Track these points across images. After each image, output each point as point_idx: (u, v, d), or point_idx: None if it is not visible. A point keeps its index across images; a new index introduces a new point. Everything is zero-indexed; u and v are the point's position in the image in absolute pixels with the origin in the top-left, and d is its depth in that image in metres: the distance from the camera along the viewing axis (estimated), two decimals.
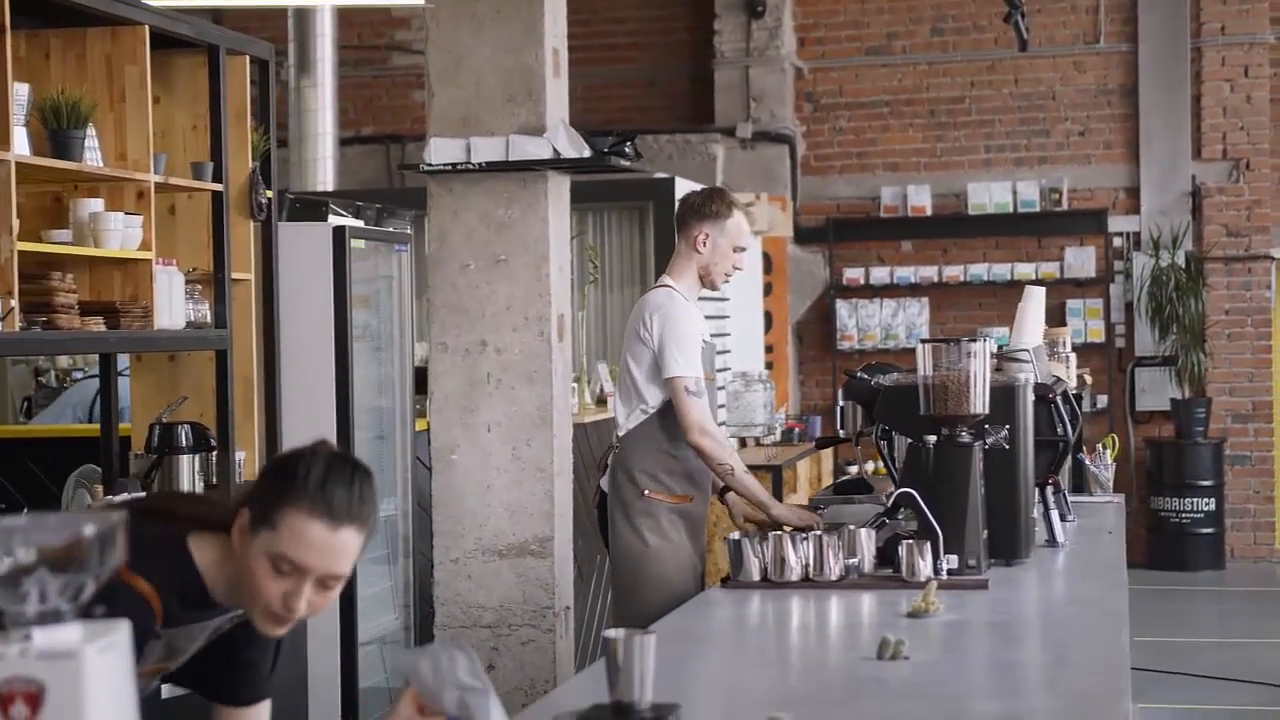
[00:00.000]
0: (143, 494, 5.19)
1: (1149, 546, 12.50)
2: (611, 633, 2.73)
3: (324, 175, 10.57)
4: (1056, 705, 3.00)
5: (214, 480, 5.66)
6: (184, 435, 5.50)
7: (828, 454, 11.33)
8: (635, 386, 5.28)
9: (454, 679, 2.56)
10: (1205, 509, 12.31)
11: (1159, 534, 12.42)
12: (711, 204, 5.36)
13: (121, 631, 1.78)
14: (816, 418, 11.87)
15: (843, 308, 13.02)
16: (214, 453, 5.65)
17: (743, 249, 5.41)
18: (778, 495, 9.06)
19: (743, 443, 10.60)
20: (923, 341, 4.49)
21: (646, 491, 5.25)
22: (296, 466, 2.60)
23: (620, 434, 5.34)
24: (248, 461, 5.93)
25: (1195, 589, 11.85)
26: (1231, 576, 12.26)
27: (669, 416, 5.21)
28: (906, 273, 12.94)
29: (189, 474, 5.47)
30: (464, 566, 5.77)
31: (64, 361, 9.17)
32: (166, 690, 4.53)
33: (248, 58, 5.96)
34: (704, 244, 5.33)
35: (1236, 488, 12.63)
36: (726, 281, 5.49)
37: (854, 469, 12.26)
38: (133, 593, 2.59)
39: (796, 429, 11.11)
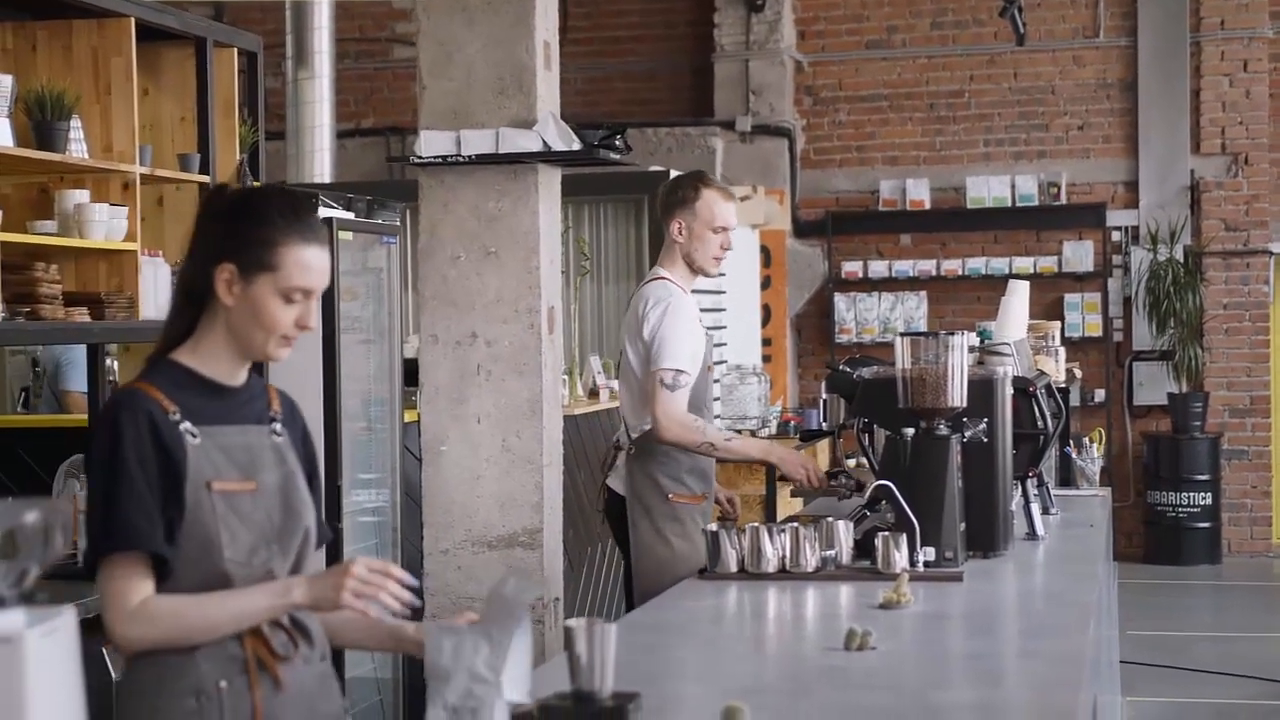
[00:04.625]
0: None
1: (1146, 541, 12.52)
2: (572, 622, 2.75)
3: (321, 167, 10.58)
4: (1014, 695, 3.02)
5: None
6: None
7: (825, 446, 11.34)
8: (641, 384, 5.23)
9: (470, 665, 2.60)
10: (1202, 503, 12.32)
11: (1156, 528, 12.43)
12: (678, 191, 5.34)
13: (65, 617, 1.80)
14: (813, 411, 11.85)
15: (841, 301, 13.04)
16: None
17: (722, 228, 5.31)
18: (771, 488, 9.06)
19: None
20: (901, 334, 4.50)
21: (671, 495, 5.20)
22: (265, 210, 2.84)
23: (634, 435, 5.26)
24: None
25: (1191, 583, 11.86)
26: (1228, 571, 12.26)
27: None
28: (905, 266, 12.95)
29: None
30: (453, 557, 5.79)
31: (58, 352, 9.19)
32: None
33: (235, 50, 5.98)
34: (681, 233, 5.31)
35: (1233, 482, 12.64)
36: (719, 263, 5.39)
37: (852, 462, 12.28)
38: (130, 388, 2.83)
39: (793, 422, 11.12)
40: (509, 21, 6.01)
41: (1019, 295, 5.60)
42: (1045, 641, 3.50)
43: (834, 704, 2.95)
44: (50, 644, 1.77)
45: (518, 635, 2.57)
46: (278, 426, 2.96)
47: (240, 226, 2.84)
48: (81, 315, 5.03)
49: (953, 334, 4.45)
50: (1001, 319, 5.54)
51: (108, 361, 6.29)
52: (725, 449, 5.16)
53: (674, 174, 10.10)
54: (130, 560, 2.76)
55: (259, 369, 3.22)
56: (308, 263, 2.83)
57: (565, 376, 8.00)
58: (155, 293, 5.36)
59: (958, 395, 4.42)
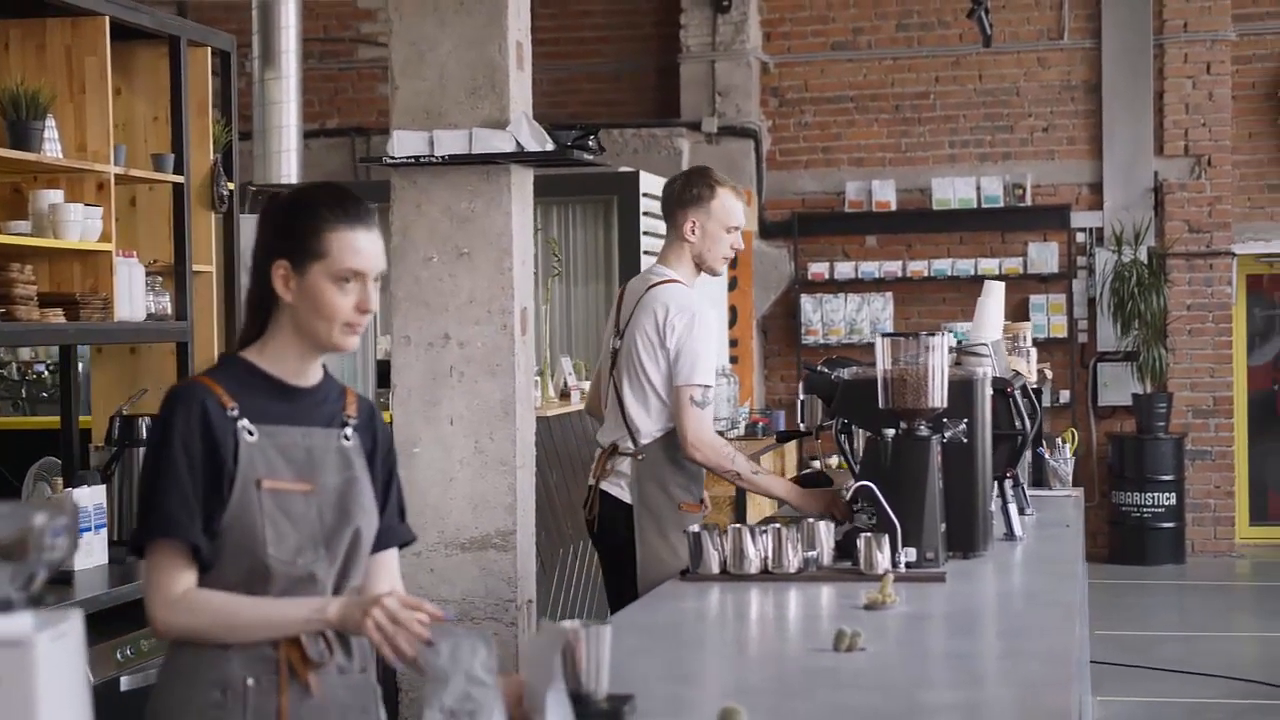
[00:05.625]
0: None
1: (1110, 541, 12.58)
2: (567, 624, 2.75)
3: (288, 168, 10.50)
4: (1006, 695, 3.03)
5: None
6: (144, 428, 5.47)
7: (791, 448, 11.36)
8: (656, 393, 5.06)
9: (468, 669, 2.59)
10: (1166, 503, 12.39)
11: (1120, 528, 12.49)
12: (692, 188, 5.14)
13: (73, 620, 1.78)
14: (780, 412, 11.88)
15: (807, 302, 13.06)
16: None
17: (735, 227, 5.15)
18: (741, 490, 9.04)
19: None
20: (882, 335, 4.50)
21: (682, 505, 5.08)
22: (309, 200, 2.91)
23: (643, 441, 5.09)
24: None
25: (1156, 583, 11.92)
26: (1192, 570, 12.34)
27: None
28: (871, 267, 12.98)
29: None
30: (426, 560, 5.76)
31: (25, 353, 9.12)
32: (126, 682, 4.54)
33: (209, 49, 5.94)
34: (693, 232, 5.12)
35: (1197, 482, 12.71)
36: (726, 263, 5.27)
37: (817, 463, 12.30)
38: (191, 382, 2.89)
39: (761, 423, 11.13)
40: (481, 21, 6.00)
41: (995, 296, 5.61)
42: (1032, 641, 3.51)
43: (829, 705, 2.94)
44: (59, 648, 1.75)
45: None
46: (349, 431, 2.97)
47: (290, 224, 2.90)
48: (56, 316, 4.98)
49: (933, 334, 4.46)
50: (978, 320, 5.55)
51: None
52: (750, 481, 5.04)
53: (644, 175, 10.14)
54: (173, 549, 2.81)
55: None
56: (355, 245, 2.87)
57: (537, 378, 7.98)
58: (130, 294, 5.32)
59: (938, 396, 4.43)
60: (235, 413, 2.84)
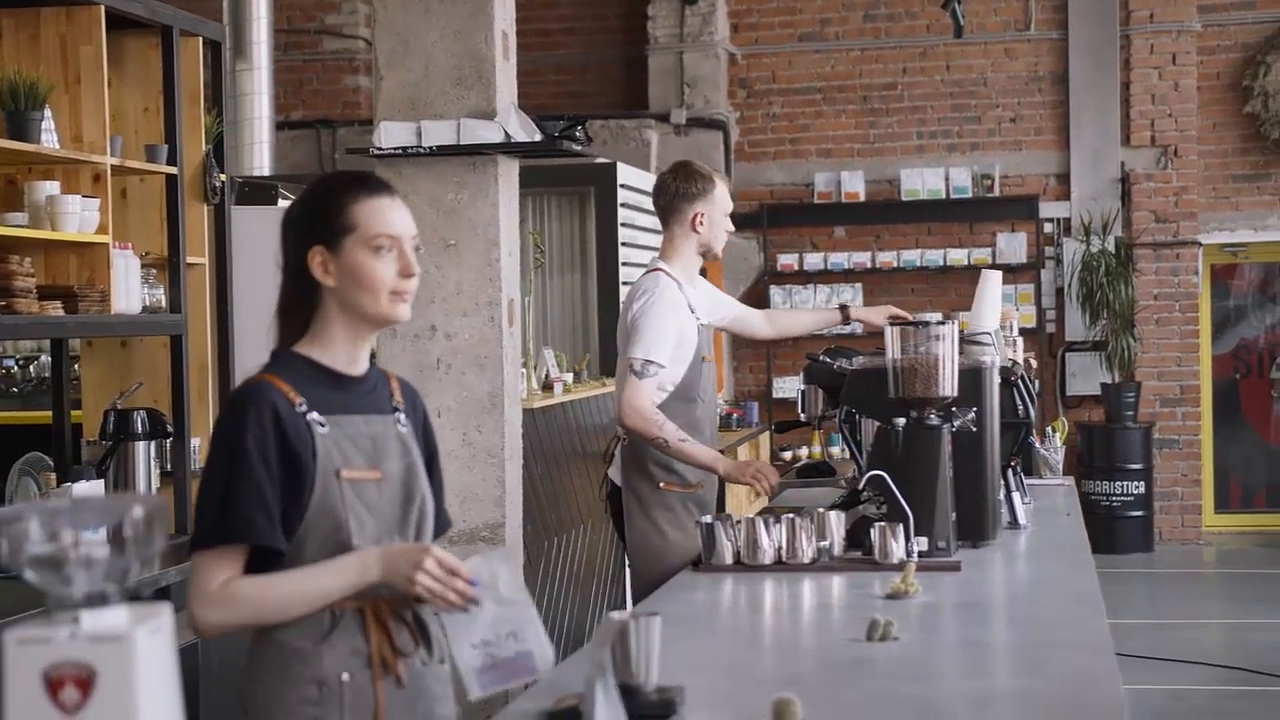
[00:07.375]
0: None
1: None
2: (617, 615, 2.73)
3: (260, 160, 10.44)
4: (1054, 685, 3.01)
5: (169, 467, 5.58)
6: (139, 421, 5.42)
7: (765, 439, 11.37)
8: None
9: (494, 593, 2.58)
10: (1135, 492, 12.45)
11: (1089, 517, 12.35)
12: (696, 183, 5.33)
13: (165, 615, 1.76)
14: (754, 403, 11.89)
15: (777, 294, 13.05)
16: (169, 439, 5.57)
17: (729, 212, 5.45)
18: (721, 482, 9.03)
19: None
20: (891, 324, 4.50)
21: (662, 484, 5.19)
22: (328, 184, 2.93)
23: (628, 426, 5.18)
24: (203, 448, 5.85)
25: (1125, 571, 11.98)
26: (1160, 559, 12.41)
27: (675, 405, 5.15)
28: (840, 258, 12.99)
29: (144, 460, 5.40)
30: None
31: None
32: None
33: (200, 39, 5.88)
34: (701, 223, 5.33)
35: (1165, 471, 12.78)
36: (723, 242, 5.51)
37: (788, 454, 12.31)
38: (257, 380, 2.86)
39: (735, 415, 11.14)
40: (467, 11, 5.98)
41: (993, 285, 5.61)
42: (1064, 631, 3.50)
43: (878, 694, 2.93)
44: (155, 641, 1.73)
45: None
46: (402, 417, 2.96)
47: (314, 212, 2.91)
48: (55, 309, 4.92)
49: (943, 323, 4.46)
50: (977, 309, 5.56)
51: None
52: (677, 449, 5.10)
53: (621, 167, 10.10)
54: (228, 549, 2.78)
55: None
56: (381, 212, 2.88)
57: (522, 370, 7.95)
58: (126, 286, 5.26)
59: (948, 385, 4.43)
60: (304, 407, 2.82)
